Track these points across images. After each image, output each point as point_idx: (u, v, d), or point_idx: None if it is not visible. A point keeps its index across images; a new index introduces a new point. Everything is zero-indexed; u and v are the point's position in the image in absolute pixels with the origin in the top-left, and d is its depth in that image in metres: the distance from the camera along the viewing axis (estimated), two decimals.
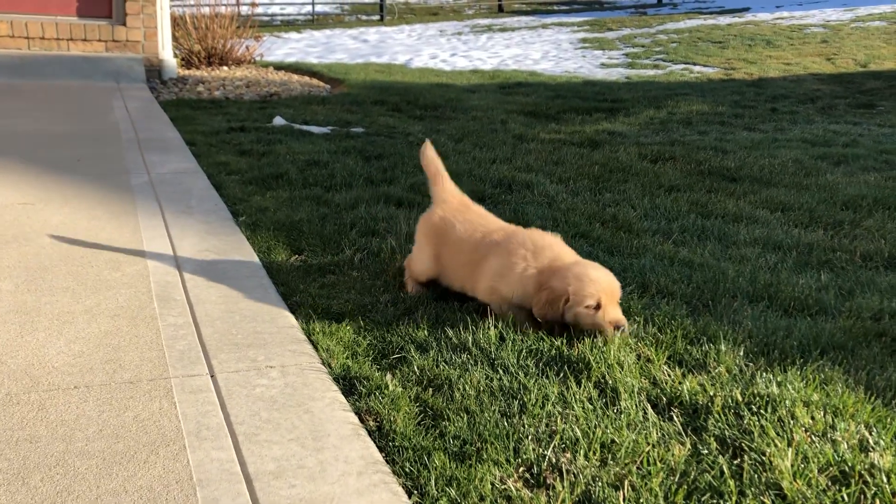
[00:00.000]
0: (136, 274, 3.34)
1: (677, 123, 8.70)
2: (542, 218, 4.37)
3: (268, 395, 2.40)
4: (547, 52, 15.85)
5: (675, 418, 2.28)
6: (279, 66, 12.53)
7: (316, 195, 4.65)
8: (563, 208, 4.66)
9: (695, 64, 14.12)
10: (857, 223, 4.58)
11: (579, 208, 4.69)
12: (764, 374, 2.49)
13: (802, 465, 2.02)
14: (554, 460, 2.08)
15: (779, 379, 2.44)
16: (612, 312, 2.73)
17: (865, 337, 2.90)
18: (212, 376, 2.50)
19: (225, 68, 11.60)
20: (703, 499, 1.92)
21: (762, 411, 2.27)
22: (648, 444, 2.14)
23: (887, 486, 1.92)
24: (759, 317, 3.02)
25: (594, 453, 2.11)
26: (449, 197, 3.25)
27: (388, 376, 2.53)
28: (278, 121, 7.35)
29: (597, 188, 5.30)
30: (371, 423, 2.30)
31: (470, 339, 2.73)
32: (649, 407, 2.33)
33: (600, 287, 2.72)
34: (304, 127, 7.17)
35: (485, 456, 2.10)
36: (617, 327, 2.72)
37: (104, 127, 6.70)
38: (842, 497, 1.89)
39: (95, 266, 3.41)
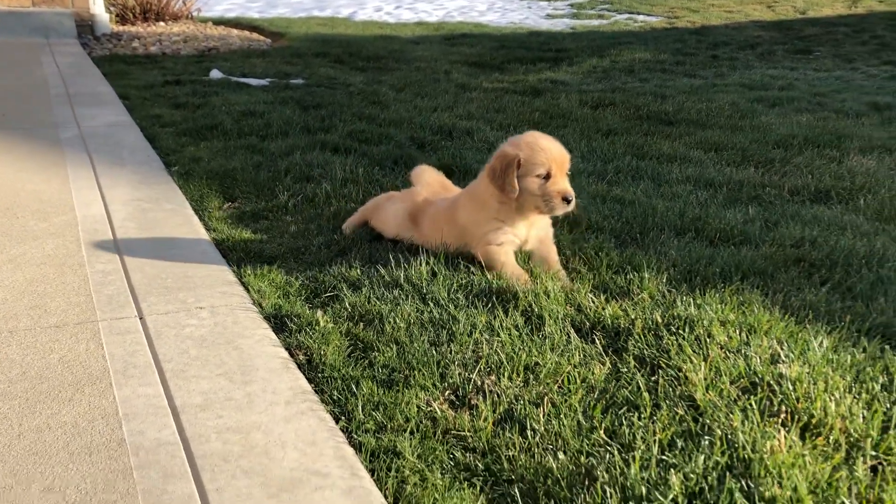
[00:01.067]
0: (64, 224, 3.28)
1: (620, 71, 8.76)
2: (480, 162, 4.37)
3: (197, 334, 2.40)
4: (493, 3, 15.72)
5: (597, 341, 2.34)
6: (218, 21, 12.21)
7: (251, 144, 4.59)
8: None
9: (639, 13, 14.17)
10: (788, 160, 4.70)
11: None
12: (685, 297, 2.57)
13: (715, 378, 2.11)
14: (479, 383, 2.13)
15: (698, 301, 2.53)
16: (562, 183, 2.74)
17: (785, 263, 3.01)
18: (140, 318, 2.49)
19: (162, 24, 11.26)
20: (619, 412, 1.99)
21: (681, 331, 2.35)
22: (570, 364, 2.20)
23: (792, 393, 2.02)
24: (685, 247, 3.10)
25: (517, 375, 2.16)
26: (431, 181, 3.32)
27: (319, 313, 2.55)
28: (215, 74, 7.19)
29: None
30: (301, 356, 2.32)
31: (402, 275, 2.75)
32: (573, 331, 2.40)
33: (551, 156, 2.72)
34: (242, 79, 7.03)
35: (412, 382, 2.14)
36: (566, 199, 2.72)
37: (32, 82, 6.47)
38: (750, 404, 1.99)
39: (21, 217, 3.33)
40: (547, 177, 2.72)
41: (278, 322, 2.55)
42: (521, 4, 15.48)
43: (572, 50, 10.15)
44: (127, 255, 2.98)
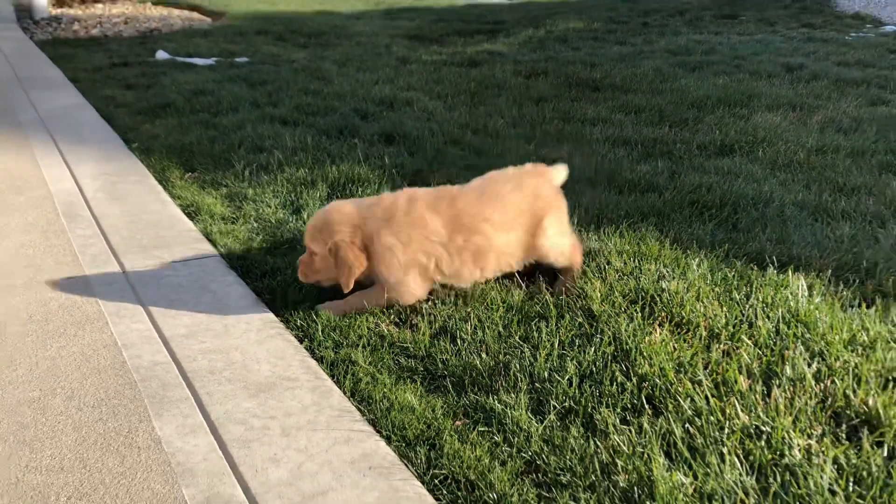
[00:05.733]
0: (40, 197, 3.60)
1: (554, 41, 9.18)
2: (419, 129, 4.79)
3: (175, 282, 2.78)
4: None
5: (514, 274, 2.80)
6: (158, 2, 12.27)
7: (204, 120, 4.92)
8: (439, 120, 5.10)
9: None
10: (700, 119, 5.20)
11: (454, 120, 5.13)
12: (590, 235, 3.04)
13: (609, 294, 2.58)
14: (418, 307, 2.57)
15: (601, 238, 3.00)
16: None
17: (681, 205, 3.50)
18: (124, 272, 2.86)
19: (100, 6, 11.31)
20: (532, 323, 2.45)
21: (585, 261, 2.82)
22: (494, 291, 2.66)
23: (669, 302, 2.50)
24: (596, 196, 3.57)
25: (450, 300, 2.61)
26: None
27: (280, 262, 2.94)
28: (161, 55, 7.42)
29: (472, 102, 5.74)
30: (266, 296, 2.72)
31: None
32: None
33: None
34: (188, 59, 7.27)
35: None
36: None
37: None
38: (635, 311, 2.47)
39: None
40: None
41: (244, 270, 2.94)
42: None
43: (509, 21, 10.55)
44: (103, 221, 3.33)
